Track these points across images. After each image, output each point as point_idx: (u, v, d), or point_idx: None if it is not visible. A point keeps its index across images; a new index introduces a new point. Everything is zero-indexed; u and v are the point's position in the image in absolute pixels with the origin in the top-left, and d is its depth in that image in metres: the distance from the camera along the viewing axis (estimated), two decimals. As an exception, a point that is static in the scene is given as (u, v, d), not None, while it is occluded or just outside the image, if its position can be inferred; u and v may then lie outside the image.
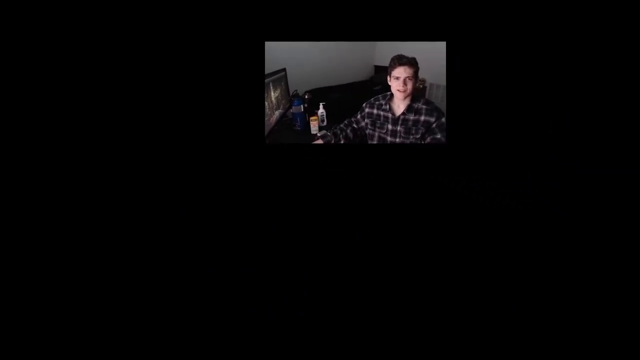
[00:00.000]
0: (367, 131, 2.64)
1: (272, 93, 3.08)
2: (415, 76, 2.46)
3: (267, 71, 2.72)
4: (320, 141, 2.60)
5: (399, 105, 2.52)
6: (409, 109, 2.50)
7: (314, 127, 3.15)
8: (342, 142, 2.63)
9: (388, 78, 2.51)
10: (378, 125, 2.59)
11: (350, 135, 2.67)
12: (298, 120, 3.22)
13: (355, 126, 2.67)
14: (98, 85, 2.61)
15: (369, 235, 2.40)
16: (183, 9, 2.63)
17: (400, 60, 2.44)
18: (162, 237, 2.43)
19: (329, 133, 2.63)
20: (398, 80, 2.45)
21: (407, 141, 2.52)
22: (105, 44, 2.63)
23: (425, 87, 3.71)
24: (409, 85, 2.45)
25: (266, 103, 2.76)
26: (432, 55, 2.91)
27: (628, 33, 2.49)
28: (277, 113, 3.20)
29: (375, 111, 2.59)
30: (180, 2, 2.63)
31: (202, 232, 2.45)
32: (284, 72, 3.39)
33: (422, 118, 2.48)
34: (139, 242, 2.42)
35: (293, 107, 3.24)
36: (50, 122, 2.56)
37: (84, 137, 2.56)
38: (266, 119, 2.70)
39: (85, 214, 2.45)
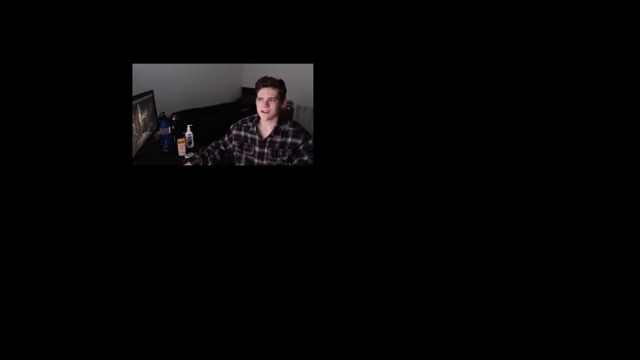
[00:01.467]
0: (235, 153, 2.66)
1: (140, 115, 3.04)
2: (279, 98, 2.51)
3: (134, 93, 2.69)
4: (189, 164, 2.60)
5: (266, 127, 2.56)
6: (275, 131, 2.54)
7: (181, 149, 3.14)
8: (209, 164, 2.64)
9: (255, 99, 2.55)
10: (245, 147, 2.62)
11: (218, 157, 2.68)
12: (165, 142, 3.20)
13: (222, 148, 2.68)
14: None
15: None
16: (49, 30, 2.56)
17: (264, 82, 2.49)
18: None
19: (197, 156, 2.63)
20: (261, 101, 2.49)
21: (275, 163, 2.56)
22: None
23: (293, 109, 3.79)
24: (272, 107, 2.50)
25: (133, 125, 2.73)
26: (300, 77, 2.98)
27: (533, 22, 2.55)
28: (144, 135, 3.16)
29: (242, 133, 2.62)
30: (47, 23, 2.56)
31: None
32: (151, 94, 3.36)
33: (289, 140, 2.53)
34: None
35: (160, 129, 3.21)
36: None
37: None
38: (133, 141, 2.67)
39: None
